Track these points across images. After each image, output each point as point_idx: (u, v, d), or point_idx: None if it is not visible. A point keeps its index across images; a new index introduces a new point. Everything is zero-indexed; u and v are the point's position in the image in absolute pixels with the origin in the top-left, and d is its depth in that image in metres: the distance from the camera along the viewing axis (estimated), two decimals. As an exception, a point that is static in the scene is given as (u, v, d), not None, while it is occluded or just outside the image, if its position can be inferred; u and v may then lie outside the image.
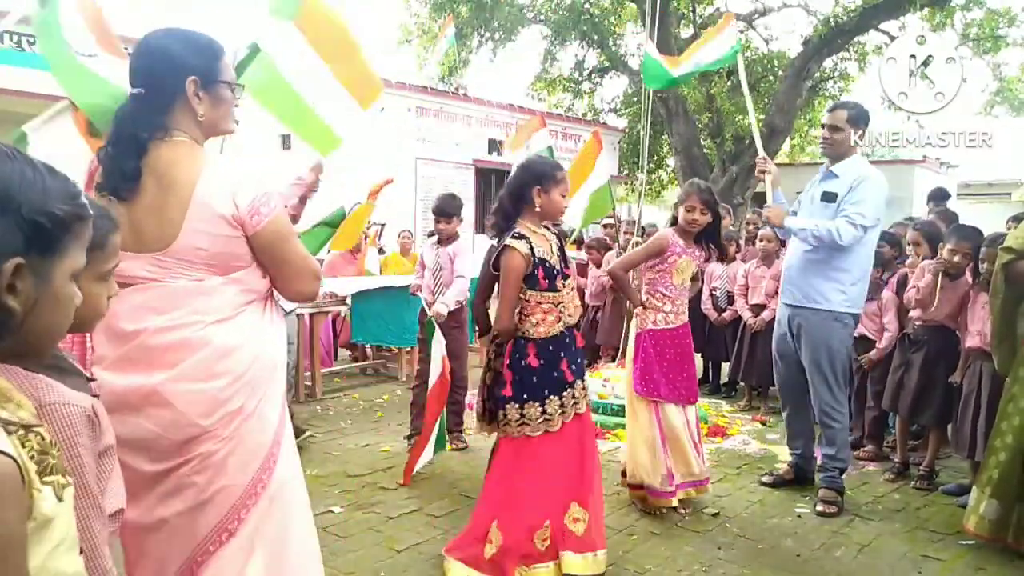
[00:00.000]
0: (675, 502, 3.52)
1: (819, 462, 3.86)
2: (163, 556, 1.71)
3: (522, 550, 2.78)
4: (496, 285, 3.06)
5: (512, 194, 2.96)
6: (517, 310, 2.92)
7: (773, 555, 3.15)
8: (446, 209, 4.51)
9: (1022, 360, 3.14)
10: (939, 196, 6.88)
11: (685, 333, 3.69)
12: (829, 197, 3.67)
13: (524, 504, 2.82)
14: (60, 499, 0.91)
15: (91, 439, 1.12)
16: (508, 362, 2.92)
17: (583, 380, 3.00)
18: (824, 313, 3.66)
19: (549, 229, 3.04)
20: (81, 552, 1.01)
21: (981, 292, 3.64)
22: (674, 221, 3.72)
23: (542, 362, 2.87)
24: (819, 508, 3.64)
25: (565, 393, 2.89)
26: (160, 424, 1.64)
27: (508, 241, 2.84)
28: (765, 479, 4.01)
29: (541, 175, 2.92)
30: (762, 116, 14.56)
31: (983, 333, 3.52)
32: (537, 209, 2.92)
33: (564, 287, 2.93)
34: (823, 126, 3.81)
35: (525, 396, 2.85)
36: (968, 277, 3.88)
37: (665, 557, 3.10)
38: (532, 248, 2.83)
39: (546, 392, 2.86)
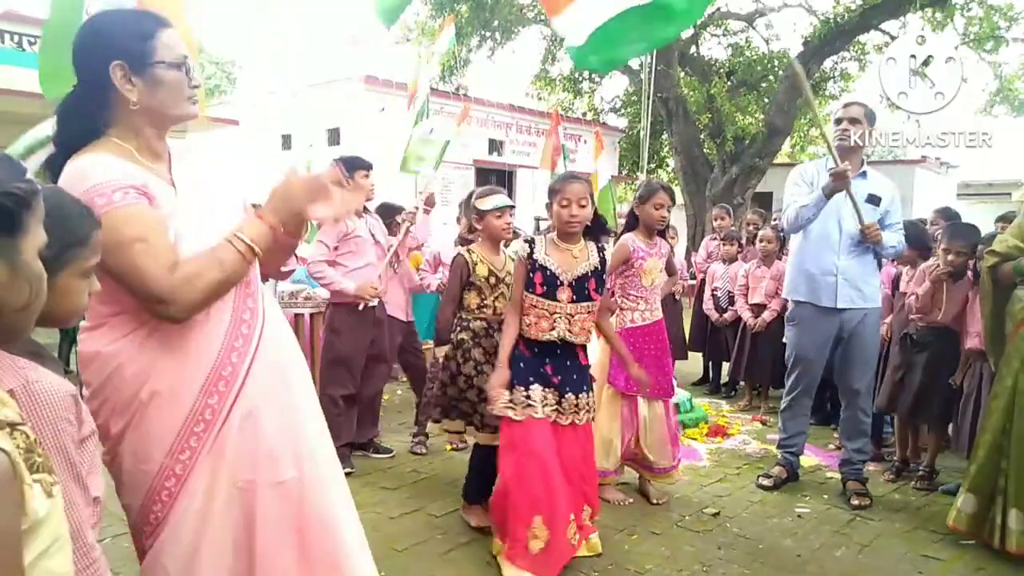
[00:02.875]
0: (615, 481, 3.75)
1: (844, 456, 3.95)
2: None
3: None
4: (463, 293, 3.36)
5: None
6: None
7: (773, 555, 3.16)
8: None
9: (1004, 359, 3.15)
10: None
11: (660, 328, 3.71)
12: (875, 200, 3.79)
13: (525, 492, 2.85)
14: (49, 495, 0.91)
15: (73, 424, 1.13)
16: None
17: (575, 397, 2.98)
18: (875, 310, 3.88)
19: (594, 245, 3.02)
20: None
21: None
22: (630, 225, 3.72)
23: (533, 352, 2.98)
24: (854, 502, 3.72)
25: (548, 389, 2.95)
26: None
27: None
28: (764, 482, 3.98)
29: (550, 191, 3.04)
30: (762, 116, 14.58)
31: (982, 334, 3.53)
32: (550, 221, 3.06)
33: (566, 301, 2.92)
34: (843, 120, 3.81)
35: (514, 381, 2.95)
36: (971, 277, 3.88)
37: (665, 557, 3.10)
38: (532, 252, 2.95)
39: (531, 379, 2.95)
